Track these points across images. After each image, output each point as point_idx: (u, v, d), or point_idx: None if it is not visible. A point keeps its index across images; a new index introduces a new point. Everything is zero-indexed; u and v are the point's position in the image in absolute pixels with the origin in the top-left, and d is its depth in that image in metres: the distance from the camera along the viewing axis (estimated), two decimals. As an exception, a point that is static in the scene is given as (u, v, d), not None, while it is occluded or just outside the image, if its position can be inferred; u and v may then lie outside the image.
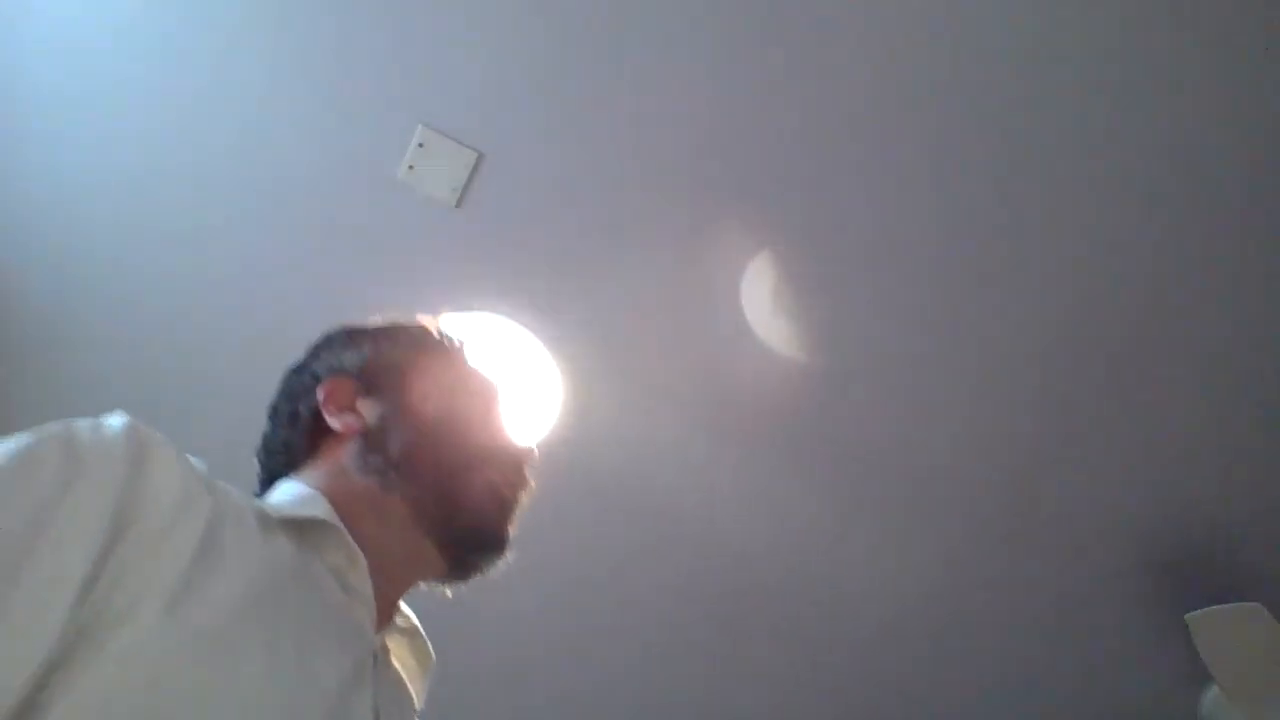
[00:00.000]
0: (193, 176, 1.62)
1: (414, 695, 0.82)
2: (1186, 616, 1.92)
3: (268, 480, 0.85)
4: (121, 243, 1.68)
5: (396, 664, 0.81)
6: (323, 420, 0.83)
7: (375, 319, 0.93)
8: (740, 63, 1.50)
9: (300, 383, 0.89)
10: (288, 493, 0.79)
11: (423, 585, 0.84)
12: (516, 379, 1.85)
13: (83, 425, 0.61)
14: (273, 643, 0.60)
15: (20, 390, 1.80)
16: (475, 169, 1.60)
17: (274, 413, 0.89)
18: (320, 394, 0.84)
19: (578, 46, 1.49)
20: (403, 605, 0.83)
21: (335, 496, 0.77)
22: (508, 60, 1.50)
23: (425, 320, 0.94)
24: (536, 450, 0.89)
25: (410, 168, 1.60)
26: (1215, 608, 1.90)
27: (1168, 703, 2.30)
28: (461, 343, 0.93)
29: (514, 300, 1.77)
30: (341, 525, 0.73)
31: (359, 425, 0.82)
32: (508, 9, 1.45)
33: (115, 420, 0.63)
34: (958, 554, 2.10)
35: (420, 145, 1.58)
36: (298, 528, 0.73)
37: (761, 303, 1.75)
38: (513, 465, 0.86)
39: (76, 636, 0.52)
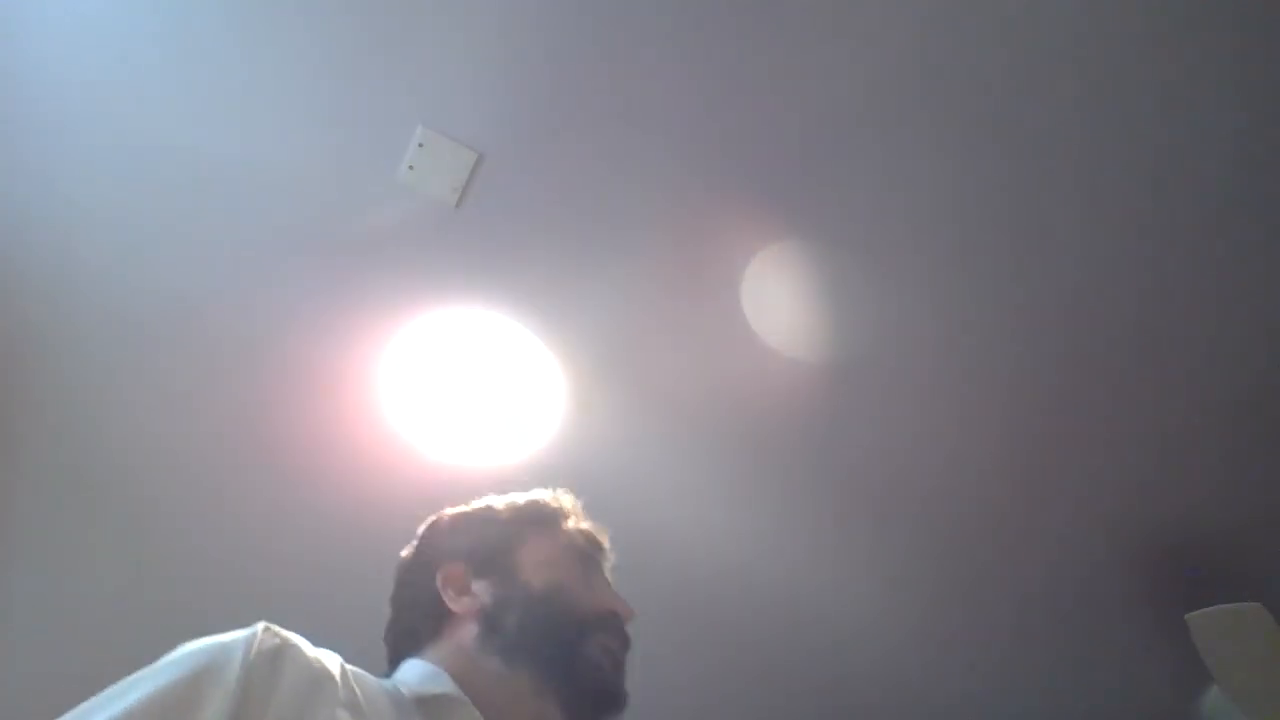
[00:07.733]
0: (192, 177, 1.62)
1: None
2: (1186, 616, 1.92)
3: (394, 660, 0.93)
4: (121, 242, 1.68)
5: None
6: (441, 603, 0.93)
7: (474, 502, 1.03)
8: (742, 61, 1.50)
9: (415, 572, 0.98)
10: (414, 671, 0.88)
11: None
12: (516, 379, 1.85)
13: (219, 644, 0.70)
14: None
15: (21, 393, 1.80)
16: (475, 169, 1.61)
17: (395, 602, 0.99)
18: (438, 579, 0.94)
19: (577, 46, 1.49)
20: None
21: (459, 673, 0.86)
22: (508, 60, 1.50)
23: (520, 495, 1.03)
24: (632, 610, 0.96)
25: (410, 168, 1.60)
26: (1215, 608, 1.90)
27: (1168, 703, 2.30)
28: (559, 508, 1.02)
29: (514, 300, 1.77)
30: (467, 698, 0.82)
31: (476, 606, 0.91)
32: (507, 10, 1.45)
33: (246, 632, 0.72)
34: (958, 556, 2.10)
35: (420, 145, 1.58)
36: (427, 704, 0.81)
37: (761, 303, 1.75)
38: (618, 624, 0.94)
39: None
